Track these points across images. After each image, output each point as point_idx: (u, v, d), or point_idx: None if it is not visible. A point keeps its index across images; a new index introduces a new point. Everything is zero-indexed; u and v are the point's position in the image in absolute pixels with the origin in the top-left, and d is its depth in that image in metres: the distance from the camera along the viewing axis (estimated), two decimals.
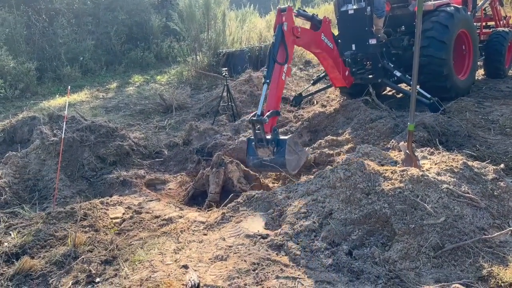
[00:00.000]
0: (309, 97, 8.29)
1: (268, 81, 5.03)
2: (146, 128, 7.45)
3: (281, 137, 4.72)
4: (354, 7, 6.93)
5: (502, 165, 3.73)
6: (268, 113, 4.75)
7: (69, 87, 5.89)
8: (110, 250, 3.42)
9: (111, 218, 4.04)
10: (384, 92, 8.40)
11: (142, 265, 3.26)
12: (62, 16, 14.63)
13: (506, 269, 2.76)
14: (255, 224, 3.67)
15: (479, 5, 8.60)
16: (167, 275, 3.07)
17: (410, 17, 7.39)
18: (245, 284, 2.92)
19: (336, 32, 7.31)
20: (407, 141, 3.74)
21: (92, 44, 14.58)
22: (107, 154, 5.76)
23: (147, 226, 3.92)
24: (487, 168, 3.65)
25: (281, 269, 3.04)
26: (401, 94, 7.77)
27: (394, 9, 7.45)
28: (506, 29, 8.75)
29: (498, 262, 2.86)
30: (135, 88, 11.89)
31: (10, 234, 3.75)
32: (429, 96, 6.40)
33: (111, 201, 4.44)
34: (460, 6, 7.30)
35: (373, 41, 6.83)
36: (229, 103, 7.28)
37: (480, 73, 8.84)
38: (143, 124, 7.67)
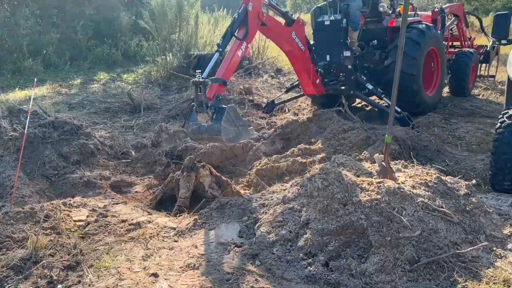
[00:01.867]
0: (281, 104, 8.28)
1: (220, 49, 5.00)
2: (112, 127, 7.17)
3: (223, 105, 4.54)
4: (331, 18, 7.00)
5: (474, 181, 3.81)
6: (213, 77, 4.64)
7: (35, 79, 5.55)
8: (73, 255, 3.21)
9: (75, 221, 3.80)
10: (353, 104, 8.51)
11: (108, 272, 3.07)
12: (26, 6, 13.97)
13: (479, 285, 2.79)
14: (229, 231, 3.56)
15: (447, 25, 8.91)
16: (135, 284, 2.90)
17: (383, 32, 7.55)
18: None
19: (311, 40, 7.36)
20: (384, 153, 3.76)
21: (57, 38, 14.00)
22: (70, 152, 5.48)
23: (113, 231, 3.71)
24: (459, 184, 3.71)
25: (256, 280, 2.94)
26: (370, 107, 7.90)
27: (367, 23, 7.58)
28: (471, 50, 9.11)
29: (471, 277, 2.89)
30: (100, 86, 11.50)
31: None
32: (399, 110, 6.52)
33: (74, 202, 4.19)
34: (431, 25, 7.51)
35: (347, 53, 6.90)
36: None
37: (445, 91, 9.15)
38: (109, 123, 7.38)
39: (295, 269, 3.02)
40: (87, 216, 3.93)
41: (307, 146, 5.60)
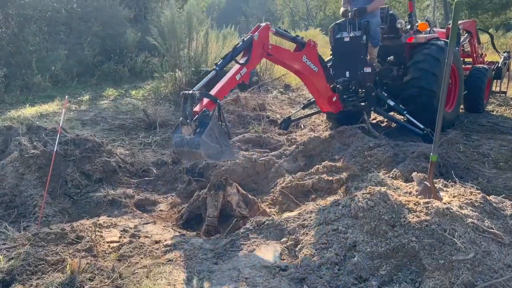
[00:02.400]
0: (296, 121, 8.22)
1: (217, 68, 4.97)
2: (130, 144, 7.07)
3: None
4: (350, 35, 6.99)
5: None
6: (203, 91, 4.56)
7: (66, 96, 5.46)
8: (113, 280, 3.08)
9: (108, 242, 3.68)
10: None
11: None
12: (34, 23, 13.99)
13: None
14: (270, 253, 3.44)
15: (461, 41, 8.95)
16: None
17: (400, 48, 7.55)
18: None
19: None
20: (429, 171, 3.67)
21: (64, 54, 13.99)
22: (92, 170, 5.36)
23: (149, 252, 3.59)
24: (504, 203, 3.62)
25: None
26: (388, 123, 7.85)
27: (384, 39, 7.58)
28: (486, 66, 9.13)
29: None
30: (110, 102, 11.44)
31: None
32: (422, 126, 6.47)
33: (104, 222, 4.08)
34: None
35: (368, 69, 6.88)
36: (219, 122, 7.03)
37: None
38: (127, 140, 7.28)
39: None
40: (120, 237, 3.81)
41: (332, 163, 5.49)
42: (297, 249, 3.45)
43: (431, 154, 3.64)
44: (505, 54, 10.26)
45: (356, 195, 3.54)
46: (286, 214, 4.22)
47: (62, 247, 3.48)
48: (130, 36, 16.54)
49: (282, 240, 3.60)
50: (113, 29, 16.66)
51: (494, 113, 9.00)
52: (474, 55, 9.64)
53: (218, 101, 4.77)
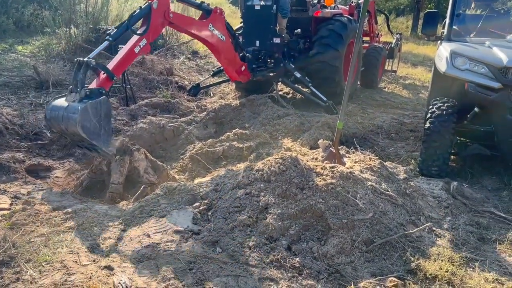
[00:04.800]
0: (206, 88, 8.08)
1: (110, 39, 4.64)
2: (19, 104, 6.31)
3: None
4: (261, 3, 6.96)
5: (411, 166, 4.11)
6: (101, 63, 4.34)
7: None
8: (5, 249, 2.76)
9: None
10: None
11: (51, 266, 2.70)
12: None
13: (429, 262, 3.03)
14: (182, 218, 3.37)
15: None
16: (88, 278, 2.59)
17: (307, 21, 7.75)
18: (184, 286, 2.64)
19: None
20: (335, 138, 3.86)
21: None
22: None
23: (46, 220, 3.27)
24: (398, 168, 3.98)
25: (221, 267, 2.83)
26: (295, 94, 8.10)
27: (292, 11, 7.70)
28: (381, 45, 9.82)
29: (421, 256, 3.12)
30: None
31: None
32: (325, 99, 6.79)
33: None
34: (352, 18, 7.90)
35: (277, 40, 6.96)
36: (123, 85, 6.62)
37: None
38: (14, 100, 6.49)
39: (258, 255, 2.97)
40: (11, 204, 3.42)
41: (243, 131, 5.53)
42: (209, 213, 3.43)
43: (338, 121, 3.83)
44: (397, 36, 11.13)
45: (269, 160, 3.60)
46: (198, 179, 4.16)
47: None
48: None
49: (194, 205, 3.54)
50: None
51: (386, 89, 9.79)
52: (372, 34, 10.29)
53: (115, 78, 4.45)
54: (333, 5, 8.10)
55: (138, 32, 4.77)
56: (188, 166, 5.16)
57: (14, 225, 3.12)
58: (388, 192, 3.54)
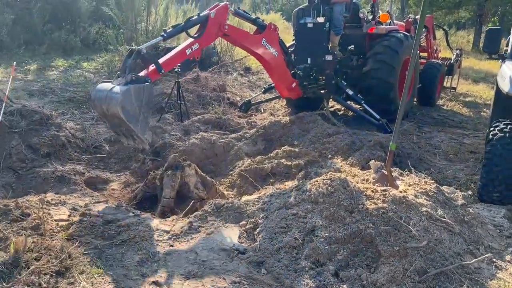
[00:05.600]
0: (257, 105, 8.16)
1: (165, 35, 4.81)
2: (81, 118, 6.71)
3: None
4: (314, 21, 6.96)
5: (470, 192, 3.88)
6: (150, 52, 4.47)
7: (14, 63, 5.04)
8: (61, 260, 2.90)
9: (56, 220, 3.46)
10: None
11: (103, 279, 2.81)
12: None
13: None
14: (228, 236, 3.39)
15: None
16: None
17: (361, 38, 7.63)
18: None
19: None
20: (387, 160, 3.74)
21: (11, 19, 13.00)
22: (40, 144, 5.03)
23: (100, 233, 3.42)
24: (455, 194, 3.76)
25: None
26: (346, 112, 7.97)
27: (346, 28, 7.62)
28: (439, 62, 9.45)
29: None
30: (59, 73, 10.81)
31: None
32: (378, 117, 6.61)
33: (52, 199, 3.84)
34: (408, 34, 7.69)
35: (329, 57, 6.90)
36: (178, 101, 6.84)
37: None
38: (77, 114, 6.90)
39: (304, 279, 2.91)
40: (69, 216, 3.61)
41: (291, 148, 5.49)
42: (256, 232, 3.42)
43: (391, 143, 3.70)
44: (457, 51, 10.67)
45: (317, 181, 3.54)
46: (245, 198, 4.18)
47: (5, 224, 3.24)
48: (84, 4, 15.63)
49: (241, 223, 3.55)
50: None
51: (445, 107, 9.38)
52: (430, 50, 9.95)
53: (162, 71, 4.57)
54: (388, 21, 7.93)
55: (191, 35, 4.95)
56: (236, 182, 5.20)
57: (71, 236, 3.28)
58: (444, 219, 3.36)
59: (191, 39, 4.98)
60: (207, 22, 5.09)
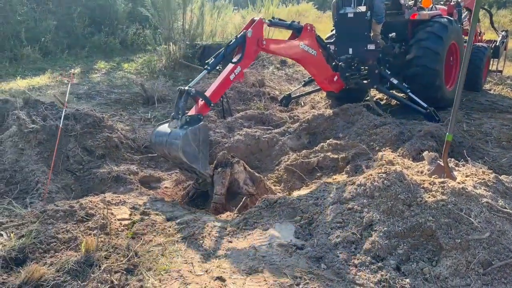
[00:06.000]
0: (296, 98, 8.15)
1: (209, 68, 4.89)
2: (130, 119, 6.94)
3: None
4: (355, 10, 6.86)
5: None
6: (199, 90, 4.53)
7: (72, 70, 5.29)
8: (129, 258, 3.04)
9: (118, 220, 3.62)
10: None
11: (169, 275, 2.92)
12: None
13: None
14: (284, 232, 3.43)
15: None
16: None
17: (403, 25, 7.45)
18: None
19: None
20: (444, 151, 3.66)
21: (54, 25, 13.54)
22: (94, 146, 5.27)
23: (162, 230, 3.55)
24: None
25: (327, 285, 2.83)
26: (384, 101, 7.82)
27: (386, 15, 7.45)
28: (485, 45, 9.09)
29: None
30: (103, 75, 11.18)
31: (2, 235, 3.25)
32: (425, 105, 6.46)
33: (112, 199, 4.01)
34: (452, 19, 7.44)
35: (371, 47, 6.80)
36: (220, 98, 6.93)
37: None
38: (126, 115, 7.14)
39: (365, 273, 2.92)
40: (130, 215, 3.76)
41: (337, 141, 5.47)
42: (311, 227, 3.45)
43: (447, 133, 3.62)
44: (503, 33, 10.22)
45: (371, 174, 3.52)
46: (297, 192, 4.21)
47: (72, 225, 3.42)
48: (121, 6, 16.05)
49: (295, 219, 3.59)
50: (103, 0, 16.14)
51: (492, 92, 9.03)
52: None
53: (212, 104, 4.72)
54: (430, 5, 7.69)
55: (233, 60, 4.97)
56: (283, 177, 5.25)
57: (135, 234, 3.42)
58: (506, 210, 3.26)
59: (232, 64, 5.00)
60: (245, 43, 5.09)
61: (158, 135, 4.40)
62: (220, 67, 5.19)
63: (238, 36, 5.16)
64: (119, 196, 4.18)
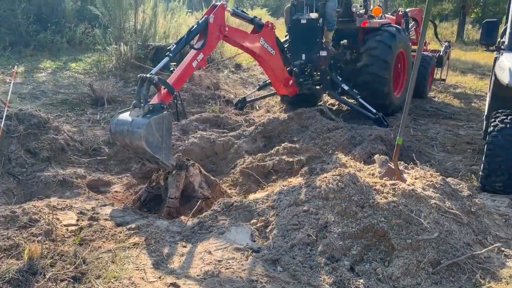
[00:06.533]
0: (252, 102, 8.15)
1: (170, 54, 4.75)
2: (77, 121, 6.62)
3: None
4: (307, 17, 6.97)
5: (475, 183, 3.94)
6: (162, 79, 4.42)
7: (15, 67, 4.95)
8: (76, 265, 2.87)
9: (65, 226, 3.42)
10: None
11: (120, 283, 2.79)
12: None
13: (501, 285, 2.87)
14: (241, 235, 3.39)
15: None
16: None
17: (354, 32, 7.66)
18: None
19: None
20: (394, 154, 3.78)
21: None
22: (39, 148, 4.96)
23: (111, 236, 3.39)
24: (460, 185, 3.83)
25: (283, 287, 2.82)
26: (336, 106, 8.02)
27: (338, 23, 7.64)
28: (430, 54, 9.56)
29: (491, 278, 2.97)
30: (48, 75, 10.63)
31: None
32: (374, 111, 6.66)
33: (58, 204, 3.79)
34: (400, 28, 7.75)
35: (323, 53, 6.93)
36: (174, 101, 6.79)
37: None
38: (73, 116, 6.81)
39: (320, 275, 2.94)
40: (77, 220, 3.57)
41: (292, 145, 5.51)
42: (267, 230, 3.43)
43: (398, 137, 3.74)
44: (446, 43, 10.80)
45: (326, 177, 3.56)
46: (253, 195, 4.19)
47: (13, 231, 3.19)
48: (69, 4, 15.39)
49: (251, 222, 3.56)
50: None
51: (436, 99, 9.50)
52: None
53: (175, 92, 4.59)
54: (380, 14, 7.98)
55: (195, 46, 4.89)
56: (239, 180, 5.20)
57: (82, 241, 3.25)
58: (453, 211, 3.41)
59: (194, 51, 4.91)
60: (207, 29, 5.02)
61: (119, 124, 4.16)
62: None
63: (199, 22, 5.07)
64: (65, 201, 3.96)
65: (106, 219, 3.68)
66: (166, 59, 4.69)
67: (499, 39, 5.38)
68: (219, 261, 3.06)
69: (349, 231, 3.18)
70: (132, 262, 3.04)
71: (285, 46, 7.48)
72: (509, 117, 4.30)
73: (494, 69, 4.84)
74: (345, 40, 7.65)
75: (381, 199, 3.33)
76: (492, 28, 4.93)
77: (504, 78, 4.26)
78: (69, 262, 2.89)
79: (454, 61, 14.36)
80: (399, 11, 9.06)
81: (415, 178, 3.81)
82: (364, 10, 7.76)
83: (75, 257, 2.96)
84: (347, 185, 3.42)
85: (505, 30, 4.99)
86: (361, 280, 2.89)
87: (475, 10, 26.90)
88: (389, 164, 3.94)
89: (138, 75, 4.39)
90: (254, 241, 3.34)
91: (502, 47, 4.83)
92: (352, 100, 7.39)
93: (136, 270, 2.95)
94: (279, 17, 23.98)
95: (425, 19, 3.75)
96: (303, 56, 7.07)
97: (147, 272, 2.93)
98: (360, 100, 6.89)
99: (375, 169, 4.15)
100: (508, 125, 4.22)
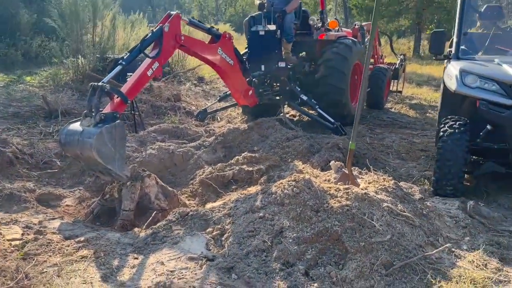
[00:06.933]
0: (213, 113, 8.12)
1: (124, 63, 4.64)
2: (28, 133, 6.35)
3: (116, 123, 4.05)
4: (265, 29, 7.06)
5: (426, 186, 4.04)
6: (115, 87, 4.33)
7: None
8: (17, 281, 2.71)
9: (8, 240, 3.24)
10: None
11: None
12: None
13: (451, 284, 2.93)
14: (196, 245, 3.31)
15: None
16: None
17: (312, 45, 7.82)
18: None
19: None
20: (348, 159, 3.82)
21: None
22: None
23: (58, 250, 3.23)
24: (413, 189, 3.91)
25: None
26: (297, 116, 8.11)
27: (296, 35, 7.78)
28: (386, 66, 9.88)
29: (442, 278, 3.02)
30: (1, 88, 10.21)
31: None
32: (332, 120, 6.78)
33: (2, 218, 3.59)
34: (356, 40, 7.98)
35: (282, 64, 7.01)
36: (132, 112, 6.66)
37: None
38: (24, 129, 6.53)
39: (275, 281, 2.90)
40: (22, 234, 3.39)
41: (252, 154, 5.49)
42: (223, 238, 3.37)
43: (350, 142, 3.80)
44: (401, 57, 11.21)
45: (282, 183, 3.56)
46: (210, 204, 4.12)
47: None
48: (24, 17, 14.96)
49: (207, 231, 3.49)
50: (4, 9, 14.92)
51: (392, 110, 9.79)
52: (376, 56, 10.37)
53: (128, 101, 4.49)
54: (337, 27, 8.19)
55: (150, 55, 4.82)
56: (198, 191, 5.12)
57: (26, 255, 3.08)
58: (405, 213, 3.48)
59: (148, 59, 4.81)
60: (162, 37, 4.94)
61: (69, 134, 4.00)
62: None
63: (154, 30, 4.99)
64: (11, 215, 3.76)
65: (53, 233, 3.51)
66: (118, 68, 4.57)
67: (449, 49, 5.62)
68: (171, 271, 2.97)
69: (304, 235, 3.17)
70: (79, 275, 2.90)
71: (245, 57, 7.53)
72: (457, 123, 4.47)
73: (443, 77, 5.04)
74: (304, 52, 7.80)
75: (335, 203, 3.35)
76: (440, 38, 5.15)
77: (452, 85, 4.44)
78: (10, 277, 2.72)
79: (411, 74, 14.93)
80: (355, 25, 9.35)
81: (369, 183, 3.87)
82: (321, 23, 7.93)
83: (17, 272, 2.79)
84: (302, 190, 3.42)
85: (452, 40, 5.22)
86: (315, 284, 2.87)
87: (430, 26, 28.14)
88: (344, 170, 3.98)
89: (90, 84, 4.26)
90: (209, 249, 3.27)
91: (449, 56, 5.05)
92: (312, 111, 7.49)
93: (83, 283, 2.81)
94: (243, 33, 24.18)
95: (372, 32, 3.86)
96: (263, 67, 7.13)
97: (95, 285, 2.80)
98: (319, 110, 7.00)
99: (331, 175, 4.19)
100: (456, 130, 4.39)
